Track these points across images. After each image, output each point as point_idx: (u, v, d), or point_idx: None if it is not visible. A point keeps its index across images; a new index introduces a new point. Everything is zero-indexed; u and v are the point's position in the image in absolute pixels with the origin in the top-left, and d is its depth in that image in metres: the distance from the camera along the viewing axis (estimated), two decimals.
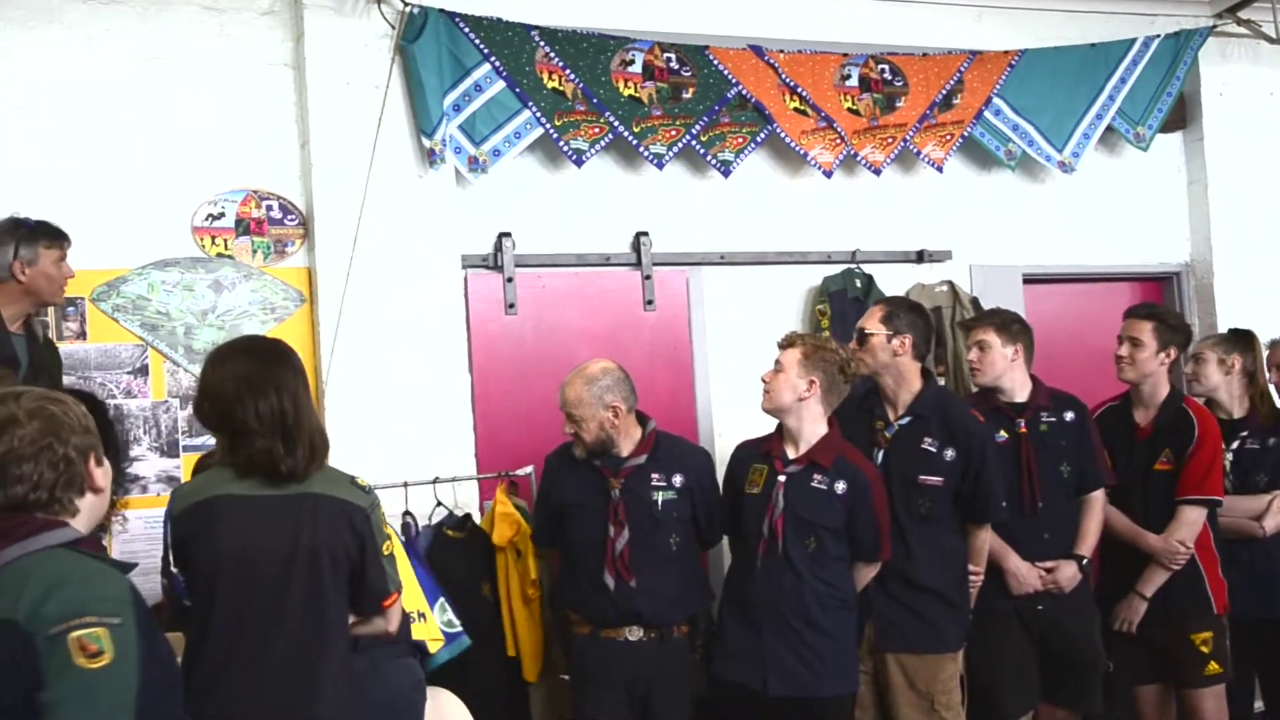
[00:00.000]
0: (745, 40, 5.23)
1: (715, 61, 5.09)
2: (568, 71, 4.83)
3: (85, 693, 1.98)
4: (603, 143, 4.89)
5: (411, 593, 3.69)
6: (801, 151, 5.20)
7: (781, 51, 5.22)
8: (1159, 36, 5.84)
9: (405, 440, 4.47)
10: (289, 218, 4.60)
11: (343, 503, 2.88)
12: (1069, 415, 4.32)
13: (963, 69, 5.48)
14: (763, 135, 5.18)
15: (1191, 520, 4.27)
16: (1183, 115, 6.03)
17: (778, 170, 5.37)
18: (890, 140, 5.34)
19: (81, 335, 4.34)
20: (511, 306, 4.92)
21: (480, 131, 4.71)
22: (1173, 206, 6.06)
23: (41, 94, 4.36)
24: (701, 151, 5.06)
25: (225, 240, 4.53)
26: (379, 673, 3.30)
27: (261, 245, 4.57)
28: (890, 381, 4.13)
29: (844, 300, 5.25)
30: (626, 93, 4.92)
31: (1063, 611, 4.25)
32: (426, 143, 4.58)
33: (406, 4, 4.55)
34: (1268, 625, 4.50)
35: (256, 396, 2.84)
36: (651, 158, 4.97)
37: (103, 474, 2.25)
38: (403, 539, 4.05)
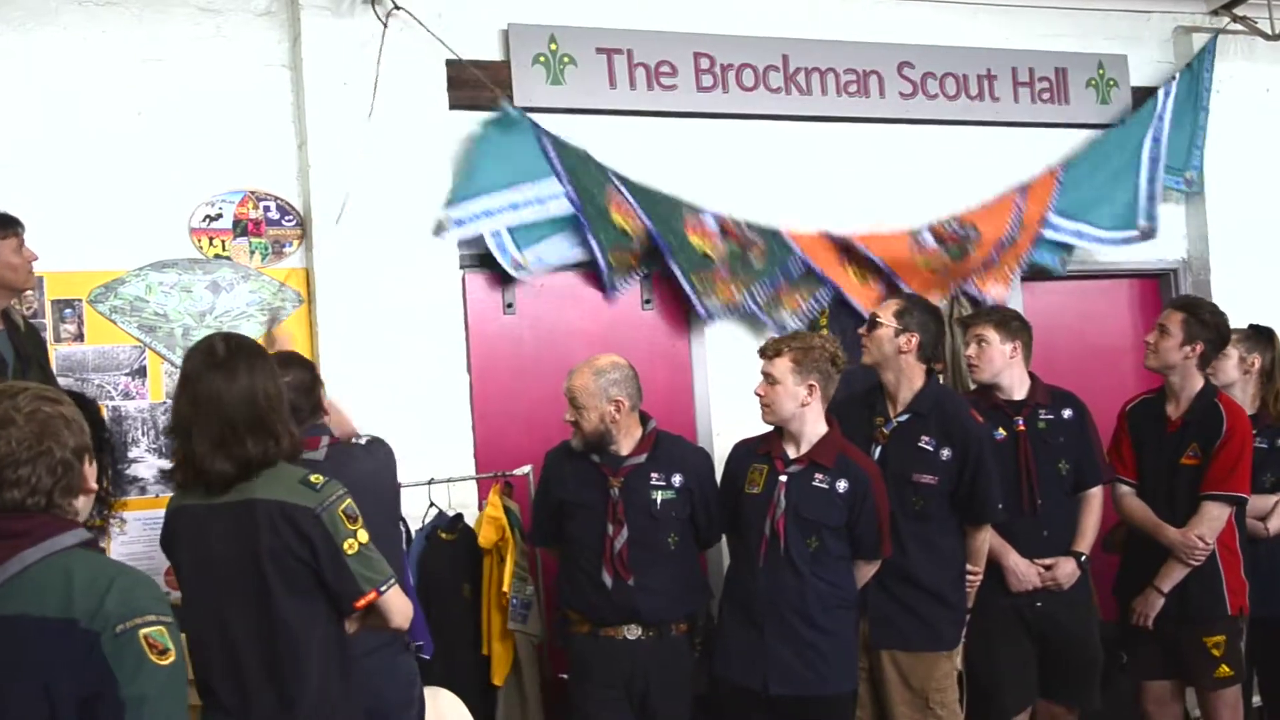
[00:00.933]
0: (743, 37, 5.26)
1: (791, 243, 5.13)
2: (640, 213, 4.87)
3: (164, 689, 2.04)
4: (639, 272, 5.00)
5: None
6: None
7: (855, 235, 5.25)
8: (1174, 79, 5.86)
9: (404, 441, 4.38)
10: (286, 218, 4.60)
11: (282, 505, 2.72)
12: (1067, 412, 4.33)
13: (1019, 204, 5.52)
14: (822, 294, 5.20)
15: (1214, 516, 4.24)
16: None
17: (774, 168, 5.34)
18: (950, 285, 5.37)
19: (79, 337, 4.34)
20: (510, 306, 4.92)
21: (530, 239, 4.78)
22: (1169, 203, 6.04)
23: (38, 96, 4.36)
24: (760, 314, 5.09)
25: (223, 241, 4.53)
26: (372, 672, 3.26)
27: (259, 246, 4.57)
28: (891, 377, 4.13)
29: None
30: (697, 244, 4.96)
31: (1061, 608, 4.25)
32: (441, 212, 4.64)
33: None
34: (1270, 623, 4.50)
35: (173, 404, 2.81)
36: (704, 311, 5.02)
37: (92, 473, 2.26)
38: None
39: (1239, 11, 6.01)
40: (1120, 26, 5.98)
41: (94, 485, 2.26)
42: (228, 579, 2.76)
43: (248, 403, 2.75)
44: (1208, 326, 4.35)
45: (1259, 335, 4.72)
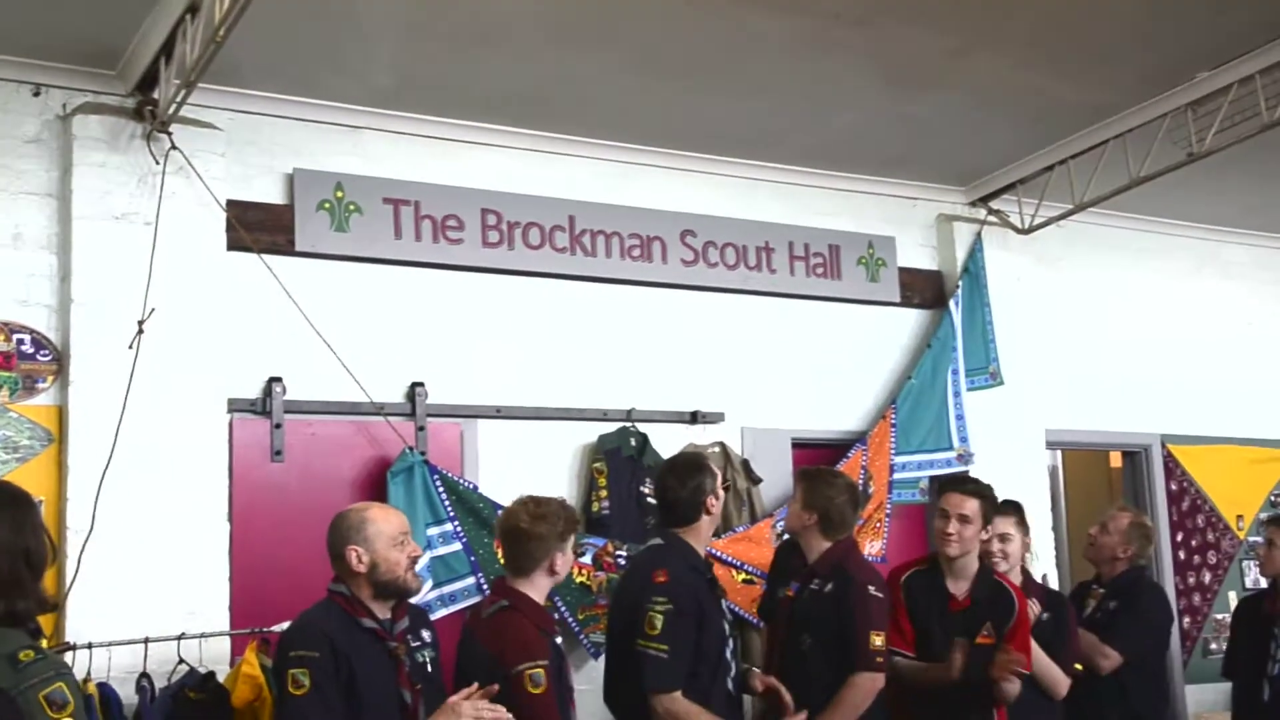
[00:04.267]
0: (531, 196, 5.35)
1: None
2: (460, 530, 4.90)
3: None
4: None
5: None
6: (755, 620, 5.23)
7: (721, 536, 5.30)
8: (959, 286, 6.23)
9: (153, 593, 4.24)
10: (42, 353, 4.37)
11: None
12: (829, 587, 4.19)
13: (864, 463, 5.77)
14: None
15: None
16: (943, 293, 6.39)
17: (557, 326, 5.42)
18: None
19: None
20: (278, 454, 4.76)
21: (438, 576, 4.80)
22: None
23: None
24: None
25: None
26: None
27: (8, 380, 4.32)
28: None
29: (619, 458, 5.28)
30: (578, 579, 4.98)
31: None
32: None
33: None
34: None
35: None
36: (590, 647, 5.02)
37: None
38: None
39: (994, 205, 6.47)
40: (889, 210, 6.35)
41: None
42: None
43: None
44: (995, 507, 4.44)
45: (1020, 513, 4.77)
